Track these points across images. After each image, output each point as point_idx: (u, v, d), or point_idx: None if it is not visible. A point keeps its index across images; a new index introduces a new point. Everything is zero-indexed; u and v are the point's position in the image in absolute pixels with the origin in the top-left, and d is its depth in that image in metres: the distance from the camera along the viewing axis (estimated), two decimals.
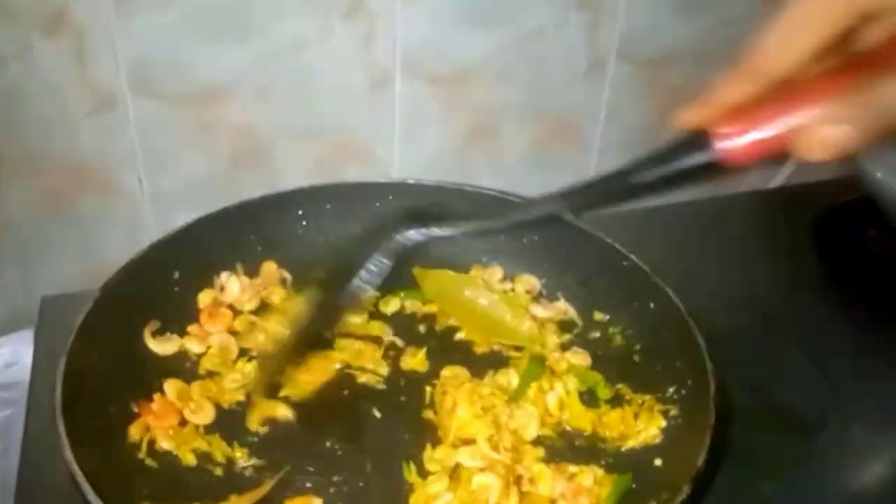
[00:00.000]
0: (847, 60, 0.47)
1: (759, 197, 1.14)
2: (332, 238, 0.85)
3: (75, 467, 0.57)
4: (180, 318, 0.79)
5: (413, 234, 0.63)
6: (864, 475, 0.74)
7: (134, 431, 0.69)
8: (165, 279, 0.78)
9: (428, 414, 0.74)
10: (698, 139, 0.49)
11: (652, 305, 0.77)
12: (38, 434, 0.71)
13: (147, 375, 0.73)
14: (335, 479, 0.68)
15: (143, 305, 0.76)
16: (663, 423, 0.71)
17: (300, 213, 0.85)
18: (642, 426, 0.72)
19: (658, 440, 0.71)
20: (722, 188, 1.14)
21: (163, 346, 0.76)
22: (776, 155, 0.48)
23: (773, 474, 0.72)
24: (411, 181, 0.88)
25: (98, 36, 0.80)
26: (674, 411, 0.72)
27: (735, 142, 0.48)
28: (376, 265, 0.63)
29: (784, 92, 0.48)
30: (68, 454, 0.58)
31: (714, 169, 0.49)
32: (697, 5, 0.98)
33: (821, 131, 0.45)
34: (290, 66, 0.88)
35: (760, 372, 0.82)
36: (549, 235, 0.84)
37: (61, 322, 0.69)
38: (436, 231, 0.63)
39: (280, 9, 0.84)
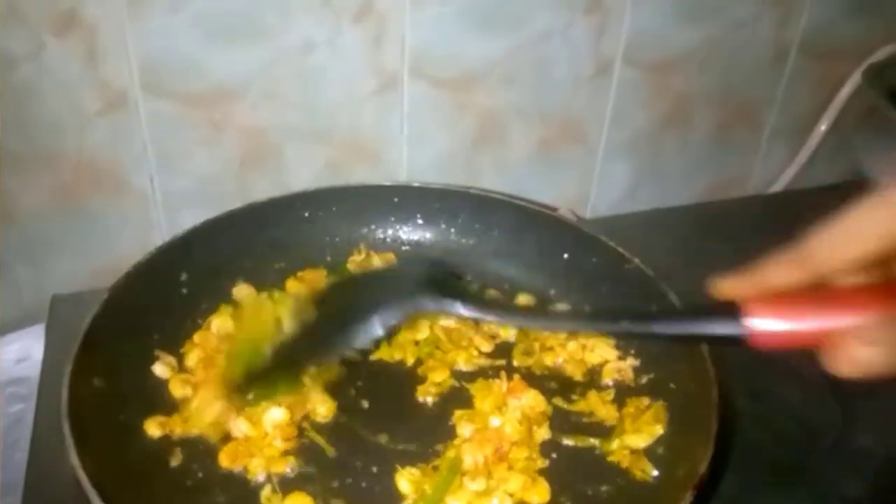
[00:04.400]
0: (891, 280, 0.47)
1: (763, 201, 1.14)
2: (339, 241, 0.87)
3: (81, 473, 0.57)
4: (188, 320, 0.79)
5: (432, 302, 0.60)
6: (869, 483, 0.74)
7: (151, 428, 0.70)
8: (173, 281, 0.79)
9: None
10: (730, 310, 0.48)
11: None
12: (46, 432, 0.72)
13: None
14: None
15: (150, 308, 0.76)
16: (665, 429, 0.71)
17: (306, 214, 0.86)
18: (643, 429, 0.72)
19: (659, 446, 0.70)
20: (725, 192, 1.15)
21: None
22: (801, 346, 0.47)
23: (776, 481, 0.72)
24: (416, 184, 0.89)
25: (110, 36, 0.80)
26: (676, 416, 0.72)
27: (764, 325, 0.48)
28: (383, 321, 0.61)
29: (824, 294, 0.48)
30: (74, 459, 0.58)
31: (737, 341, 0.49)
32: (702, 10, 0.98)
33: (852, 349, 0.45)
34: (300, 68, 0.88)
35: (764, 378, 0.81)
36: (552, 240, 0.85)
37: (71, 321, 0.70)
38: (459, 308, 0.59)
39: (290, 11, 0.84)
